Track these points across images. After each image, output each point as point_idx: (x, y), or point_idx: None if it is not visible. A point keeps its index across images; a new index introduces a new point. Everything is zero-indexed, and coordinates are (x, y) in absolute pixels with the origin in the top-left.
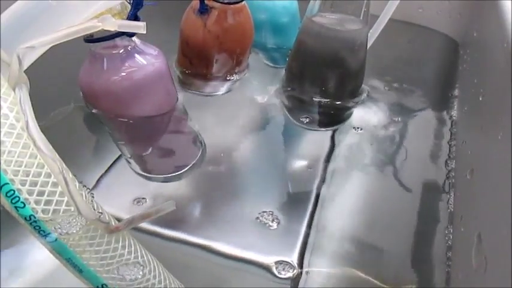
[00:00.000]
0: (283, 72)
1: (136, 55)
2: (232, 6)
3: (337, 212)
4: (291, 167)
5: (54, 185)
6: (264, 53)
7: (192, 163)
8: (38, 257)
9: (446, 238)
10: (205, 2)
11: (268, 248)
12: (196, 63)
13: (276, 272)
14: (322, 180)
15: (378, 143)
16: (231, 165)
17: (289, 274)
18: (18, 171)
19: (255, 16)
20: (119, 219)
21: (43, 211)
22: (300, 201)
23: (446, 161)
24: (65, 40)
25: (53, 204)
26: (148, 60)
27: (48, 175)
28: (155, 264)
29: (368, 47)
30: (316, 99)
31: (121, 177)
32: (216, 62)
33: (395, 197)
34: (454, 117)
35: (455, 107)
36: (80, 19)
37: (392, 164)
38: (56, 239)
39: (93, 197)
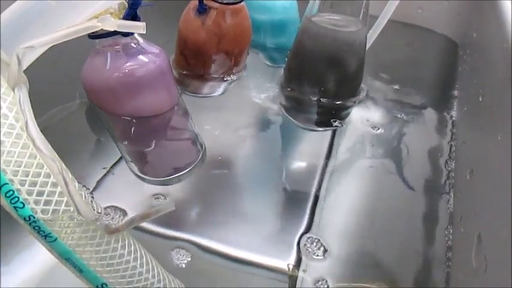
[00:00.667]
0: (281, 72)
1: (138, 53)
2: (231, 6)
3: (337, 212)
4: (290, 167)
5: (54, 185)
6: (264, 53)
7: (193, 165)
8: (38, 256)
9: (446, 238)
10: (204, 1)
11: (268, 248)
12: (193, 63)
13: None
14: (321, 180)
15: (377, 143)
16: (231, 166)
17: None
18: (18, 171)
19: (254, 16)
20: None
21: (42, 211)
22: (299, 201)
23: (446, 162)
24: (64, 40)
25: (53, 204)
26: (150, 58)
27: (48, 175)
28: (154, 264)
29: (367, 47)
30: (315, 99)
31: (121, 179)
32: (214, 62)
33: (395, 197)
34: (453, 118)
35: (455, 107)
36: (80, 19)
37: (392, 164)
38: (55, 239)
39: (92, 197)
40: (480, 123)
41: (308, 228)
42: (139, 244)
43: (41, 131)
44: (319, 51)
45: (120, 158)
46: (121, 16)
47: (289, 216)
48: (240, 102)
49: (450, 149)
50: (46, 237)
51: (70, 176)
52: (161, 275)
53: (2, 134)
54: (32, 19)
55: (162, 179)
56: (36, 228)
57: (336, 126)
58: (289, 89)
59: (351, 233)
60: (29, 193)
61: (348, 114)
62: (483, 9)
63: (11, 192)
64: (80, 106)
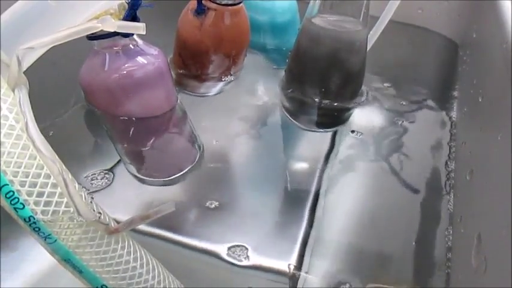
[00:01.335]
0: (282, 73)
1: (137, 54)
2: (229, 7)
3: (337, 213)
4: (290, 168)
5: (54, 186)
6: (264, 54)
7: (191, 166)
8: (38, 257)
9: (446, 239)
10: (203, 2)
11: (268, 249)
12: (191, 64)
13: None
14: (322, 182)
15: (377, 144)
16: (230, 166)
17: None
18: (18, 172)
19: (254, 17)
20: (118, 221)
21: (42, 212)
22: (299, 202)
23: (446, 162)
24: (64, 41)
25: (53, 205)
26: (148, 60)
27: (48, 176)
28: (154, 265)
29: (368, 48)
30: (316, 100)
31: (120, 180)
32: (212, 63)
33: (395, 198)
34: (453, 118)
35: (455, 108)
36: (80, 20)
37: (392, 165)
38: (55, 240)
39: (92, 198)
40: (480, 123)
41: (309, 229)
42: (139, 245)
43: (41, 132)
44: (319, 53)
45: (119, 159)
46: (121, 17)
47: (290, 216)
48: (239, 102)
49: (450, 150)
50: (46, 239)
51: (70, 176)
52: (162, 275)
53: (2, 135)
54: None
55: (161, 179)
56: (36, 229)
57: (336, 127)
58: (290, 90)
59: (351, 234)
60: (29, 194)
61: (350, 116)
62: (483, 10)
63: (11, 193)
64: (78, 107)
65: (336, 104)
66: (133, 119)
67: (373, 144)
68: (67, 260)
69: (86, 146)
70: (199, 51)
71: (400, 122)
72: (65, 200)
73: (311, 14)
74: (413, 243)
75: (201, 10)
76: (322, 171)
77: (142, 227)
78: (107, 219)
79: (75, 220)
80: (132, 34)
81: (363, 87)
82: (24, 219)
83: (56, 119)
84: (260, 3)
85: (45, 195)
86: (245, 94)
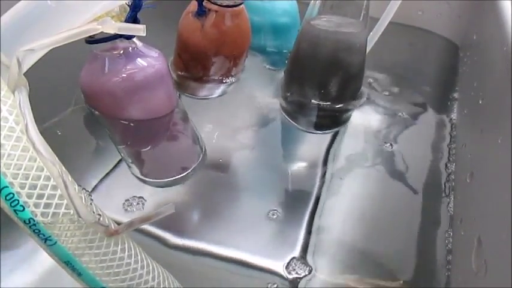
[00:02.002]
0: (281, 74)
1: (137, 57)
2: (230, 9)
3: (337, 215)
4: (290, 170)
5: (54, 188)
6: (264, 56)
7: (193, 167)
8: (38, 257)
9: (446, 241)
10: (204, 4)
11: (268, 250)
12: (192, 66)
13: (282, 274)
14: (322, 183)
15: (377, 146)
16: (231, 168)
17: (294, 275)
18: (18, 174)
19: (254, 18)
20: (118, 223)
21: (42, 214)
22: (300, 204)
23: (446, 164)
24: (64, 43)
25: (52, 207)
26: (148, 62)
27: (48, 178)
28: (154, 266)
29: (368, 50)
30: (316, 101)
31: (121, 181)
32: (213, 65)
33: (395, 200)
34: (454, 120)
35: (455, 110)
36: (80, 21)
37: (392, 167)
38: (55, 242)
39: (92, 199)
40: (480, 125)
41: (309, 231)
42: (140, 247)
43: (41, 133)
44: (319, 54)
45: (120, 160)
46: (122, 19)
47: (290, 218)
48: (240, 104)
49: (450, 152)
50: (46, 241)
51: (70, 178)
52: (161, 276)
53: (2, 137)
54: (32, 22)
55: (163, 181)
56: (36, 231)
57: (335, 129)
58: (289, 92)
59: (351, 236)
60: (29, 196)
61: (349, 117)
62: (483, 11)
63: (11, 195)
64: (78, 109)
65: (335, 105)
66: (134, 121)
67: (372, 146)
68: (66, 262)
69: (85, 148)
70: (200, 53)
71: (399, 124)
72: (65, 202)
73: (311, 16)
74: (414, 245)
75: (202, 12)
76: (322, 172)
77: (143, 228)
78: (107, 221)
79: (75, 222)
80: (133, 36)
81: (363, 89)
82: (24, 221)
83: (55, 121)
84: (261, 4)
85: (45, 197)
86: (246, 96)
